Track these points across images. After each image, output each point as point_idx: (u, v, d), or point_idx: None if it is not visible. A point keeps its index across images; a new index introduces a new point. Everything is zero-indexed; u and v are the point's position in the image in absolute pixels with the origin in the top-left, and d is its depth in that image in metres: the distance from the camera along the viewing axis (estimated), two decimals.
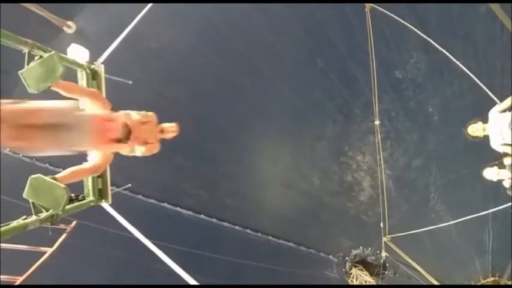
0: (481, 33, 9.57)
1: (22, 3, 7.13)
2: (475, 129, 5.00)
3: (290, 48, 9.96)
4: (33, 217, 2.39)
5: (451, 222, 10.58)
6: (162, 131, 3.13)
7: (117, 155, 3.07)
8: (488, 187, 8.69)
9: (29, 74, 2.47)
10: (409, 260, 11.11)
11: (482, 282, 13.05)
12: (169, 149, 3.34)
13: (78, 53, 3.56)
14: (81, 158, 2.91)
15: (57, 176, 2.50)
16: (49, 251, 4.81)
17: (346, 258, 13.13)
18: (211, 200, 11.05)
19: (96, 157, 2.90)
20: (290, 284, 12.33)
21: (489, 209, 9.61)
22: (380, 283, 13.08)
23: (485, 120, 4.92)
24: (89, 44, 3.78)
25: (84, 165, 2.82)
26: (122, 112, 2.91)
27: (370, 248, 12.94)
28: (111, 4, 8.35)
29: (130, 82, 6.54)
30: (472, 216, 9.32)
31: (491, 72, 9.58)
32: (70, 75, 2.98)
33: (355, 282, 12.79)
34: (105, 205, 3.52)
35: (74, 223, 5.30)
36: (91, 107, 2.93)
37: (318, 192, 11.95)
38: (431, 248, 12.17)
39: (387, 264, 12.85)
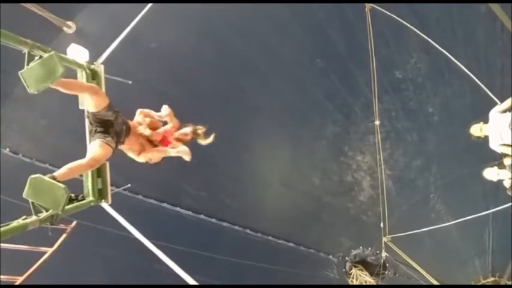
0: (481, 33, 9.55)
1: (22, 3, 7.13)
2: (475, 129, 5.00)
3: (290, 48, 9.95)
4: (33, 217, 2.38)
5: (451, 222, 10.56)
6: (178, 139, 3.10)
7: (117, 154, 3.07)
8: (488, 187, 8.69)
9: (29, 74, 2.46)
10: (409, 260, 11.09)
11: (482, 282, 13.03)
12: None
13: (78, 53, 3.55)
14: (81, 155, 2.90)
15: (55, 174, 2.48)
16: (49, 251, 4.80)
17: (346, 258, 13.11)
18: (211, 200, 11.04)
19: (94, 149, 2.89)
20: (290, 284, 12.32)
21: (489, 209, 9.61)
22: (380, 283, 13.07)
23: (486, 120, 4.92)
24: (89, 44, 3.77)
25: (81, 160, 2.79)
26: None
27: (370, 248, 12.92)
28: (111, 4, 8.34)
29: (130, 82, 6.53)
30: (472, 216, 9.31)
31: (491, 72, 9.56)
32: (70, 76, 2.98)
33: (355, 282, 12.78)
34: (105, 205, 3.52)
35: (74, 223, 5.30)
36: (90, 102, 2.93)
37: (318, 192, 11.93)
38: (431, 248, 12.15)
39: (387, 264, 12.83)
